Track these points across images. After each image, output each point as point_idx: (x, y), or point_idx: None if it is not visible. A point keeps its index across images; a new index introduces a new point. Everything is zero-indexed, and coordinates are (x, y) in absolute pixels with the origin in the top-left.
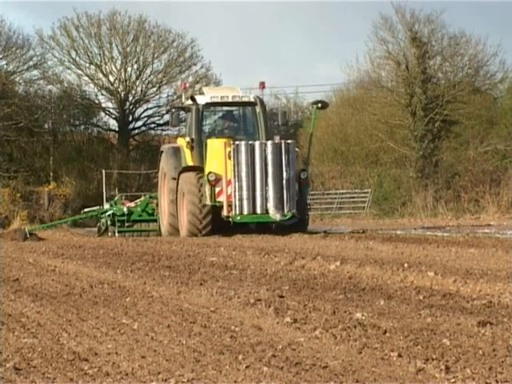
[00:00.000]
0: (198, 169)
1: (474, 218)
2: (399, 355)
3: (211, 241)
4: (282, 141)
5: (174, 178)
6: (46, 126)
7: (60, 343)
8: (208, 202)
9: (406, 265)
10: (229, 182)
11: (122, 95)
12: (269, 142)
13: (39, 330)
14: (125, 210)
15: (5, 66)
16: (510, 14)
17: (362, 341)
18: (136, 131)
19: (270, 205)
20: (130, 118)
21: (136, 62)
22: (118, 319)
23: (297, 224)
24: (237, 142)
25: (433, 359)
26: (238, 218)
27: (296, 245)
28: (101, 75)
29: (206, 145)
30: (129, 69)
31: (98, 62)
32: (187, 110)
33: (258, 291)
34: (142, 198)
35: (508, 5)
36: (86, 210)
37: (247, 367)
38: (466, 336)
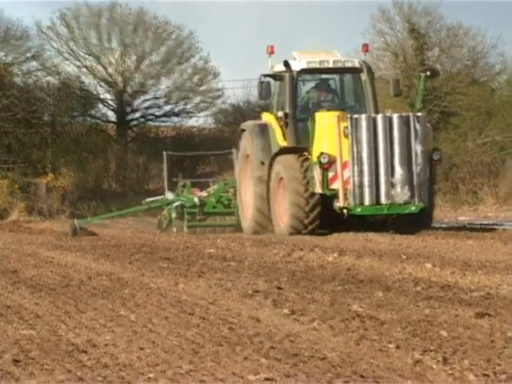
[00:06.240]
0: (298, 150)
1: (472, 209)
2: (397, 347)
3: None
4: (411, 113)
5: (263, 163)
6: (45, 117)
7: (58, 335)
8: (318, 191)
9: (404, 256)
10: (344, 165)
11: (121, 87)
12: (395, 115)
13: (37, 322)
14: (196, 200)
15: (3, 58)
16: (510, 6)
17: (360, 332)
18: (134, 123)
19: (398, 193)
20: (129, 110)
21: (135, 54)
22: (117, 311)
23: (421, 218)
24: (355, 116)
25: (431, 351)
26: (359, 209)
27: (294, 236)
28: (99, 66)
29: (312, 120)
30: (127, 60)
31: (97, 53)
32: (278, 78)
33: (256, 283)
34: (216, 186)
35: None
36: (148, 199)
37: (245, 359)
38: (463, 327)
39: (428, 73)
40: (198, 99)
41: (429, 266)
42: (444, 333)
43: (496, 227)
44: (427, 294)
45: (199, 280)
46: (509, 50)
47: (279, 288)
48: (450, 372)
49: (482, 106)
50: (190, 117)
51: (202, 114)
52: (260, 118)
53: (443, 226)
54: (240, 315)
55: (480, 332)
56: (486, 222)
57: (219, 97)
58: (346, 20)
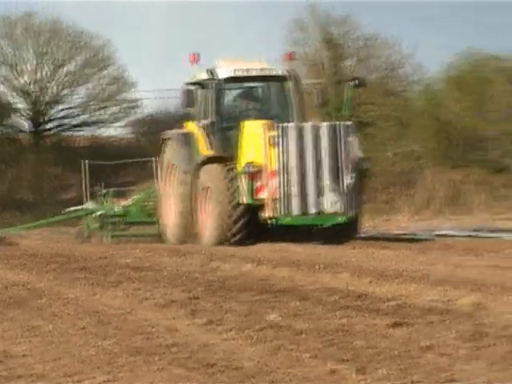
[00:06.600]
0: (223, 159)
1: (387, 219)
2: (313, 356)
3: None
4: (340, 122)
5: (187, 172)
6: None
7: None
8: (245, 201)
9: (321, 266)
10: (271, 175)
11: (36, 96)
12: (323, 124)
13: None
14: (117, 209)
15: None
16: (427, 15)
17: (276, 342)
18: (50, 132)
19: (326, 203)
20: (44, 119)
21: (51, 63)
22: (32, 321)
23: (348, 228)
24: (283, 125)
25: (347, 360)
26: (287, 219)
27: (211, 246)
28: (14, 76)
29: (239, 129)
30: (43, 69)
31: (12, 63)
32: (203, 86)
33: (173, 292)
34: (138, 195)
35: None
36: (69, 209)
37: (162, 369)
38: (380, 337)
39: (356, 82)
40: (114, 109)
41: (345, 275)
42: (360, 342)
43: (411, 237)
44: (344, 303)
45: (116, 290)
46: (425, 59)
47: (196, 298)
48: (366, 381)
49: (398, 117)
50: (107, 126)
51: (118, 123)
52: (181, 126)
53: (361, 235)
54: (157, 325)
55: (396, 341)
56: (401, 232)
57: (135, 107)
58: (265, 30)
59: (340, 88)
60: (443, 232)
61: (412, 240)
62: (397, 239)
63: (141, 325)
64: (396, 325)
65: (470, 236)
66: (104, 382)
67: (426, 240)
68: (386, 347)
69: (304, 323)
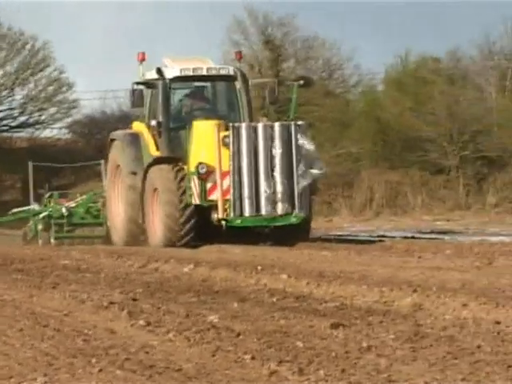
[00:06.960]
0: (172, 160)
1: (327, 220)
2: (252, 358)
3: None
4: (293, 122)
5: (134, 173)
6: None
7: None
8: (195, 202)
9: (259, 267)
10: (223, 176)
11: None
12: (276, 124)
13: None
14: (63, 210)
15: None
16: (365, 19)
17: (215, 343)
18: None
19: (279, 204)
20: None
21: None
22: None
23: (298, 229)
24: (236, 124)
25: (286, 361)
26: (239, 221)
27: (149, 247)
28: None
29: (189, 129)
30: None
31: None
32: (151, 86)
33: (111, 294)
34: (84, 196)
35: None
36: (14, 210)
37: (100, 371)
38: (318, 338)
39: (301, 82)
40: (52, 110)
41: (284, 276)
42: (299, 343)
43: (351, 238)
44: (282, 304)
45: (53, 292)
46: (364, 62)
47: (134, 299)
48: (306, 382)
49: (336, 118)
50: (45, 128)
51: (56, 124)
52: (127, 127)
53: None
54: (95, 327)
55: (335, 342)
56: (341, 233)
57: (74, 108)
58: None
59: (280, 89)
60: (383, 233)
61: (351, 241)
62: (336, 240)
63: (79, 327)
64: (335, 326)
65: (409, 237)
66: (42, 383)
67: (365, 241)
68: (325, 348)
69: (243, 325)
